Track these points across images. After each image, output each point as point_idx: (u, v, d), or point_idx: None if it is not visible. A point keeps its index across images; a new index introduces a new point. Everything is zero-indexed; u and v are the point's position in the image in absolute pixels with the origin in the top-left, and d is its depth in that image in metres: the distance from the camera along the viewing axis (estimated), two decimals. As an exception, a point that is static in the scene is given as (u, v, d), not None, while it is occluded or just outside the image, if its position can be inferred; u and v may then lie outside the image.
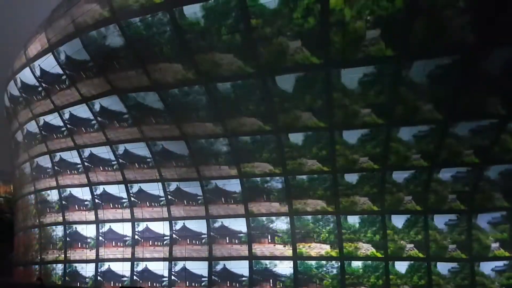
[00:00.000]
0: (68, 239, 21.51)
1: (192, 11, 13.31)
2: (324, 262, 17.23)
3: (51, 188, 22.17)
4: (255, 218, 18.25)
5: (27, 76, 19.34)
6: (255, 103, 15.34)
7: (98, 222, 20.84)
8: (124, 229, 20.37)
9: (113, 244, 20.53)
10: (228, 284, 18.21)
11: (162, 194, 19.47)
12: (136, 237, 20.10)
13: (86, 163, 20.28)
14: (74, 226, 21.48)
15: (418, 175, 16.03)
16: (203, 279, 18.62)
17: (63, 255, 21.52)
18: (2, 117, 25.71)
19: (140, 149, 18.68)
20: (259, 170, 17.47)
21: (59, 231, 21.88)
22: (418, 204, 16.42)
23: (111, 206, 20.62)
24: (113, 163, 19.65)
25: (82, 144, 19.82)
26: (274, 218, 18.09)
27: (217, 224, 18.79)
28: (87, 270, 20.78)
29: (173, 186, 19.21)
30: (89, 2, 15.08)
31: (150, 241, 19.85)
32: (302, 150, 16.41)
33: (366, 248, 16.96)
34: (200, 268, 18.75)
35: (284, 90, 14.62)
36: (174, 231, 19.46)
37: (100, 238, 20.73)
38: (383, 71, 13.40)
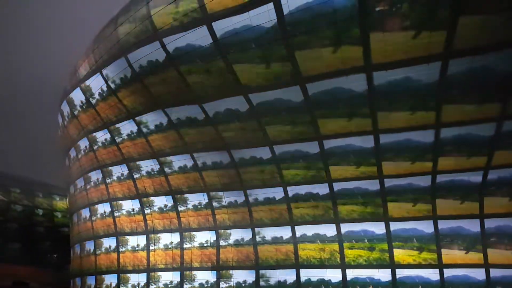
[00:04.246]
0: (120, 249, 22.32)
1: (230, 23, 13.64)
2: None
3: (103, 201, 23.17)
4: (300, 225, 18.22)
5: (78, 95, 20.44)
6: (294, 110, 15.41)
7: (148, 232, 21.51)
8: (173, 238, 20.88)
9: (163, 253, 21.07)
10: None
11: (207, 203, 19.83)
12: (185, 245, 20.53)
13: (134, 175, 21.06)
14: (125, 236, 22.30)
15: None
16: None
17: (116, 265, 22.33)
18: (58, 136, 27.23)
19: (185, 160, 19.20)
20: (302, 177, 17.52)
21: (112, 242, 22.77)
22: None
23: (159, 216, 21.23)
24: (159, 174, 20.28)
25: (130, 158, 20.62)
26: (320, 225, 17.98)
27: (262, 232, 18.90)
28: (139, 280, 21.45)
29: (217, 194, 19.52)
30: (132, 22, 15.79)
31: (198, 250, 20.21)
32: (345, 156, 16.28)
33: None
34: (247, 276, 18.89)
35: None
36: (220, 240, 19.71)
37: (151, 247, 21.38)
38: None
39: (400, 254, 16.65)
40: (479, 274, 15.65)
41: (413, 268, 16.45)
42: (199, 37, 14.30)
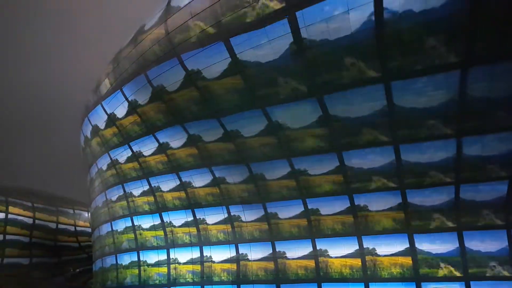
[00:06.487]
0: (141, 264, 22.45)
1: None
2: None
3: (124, 217, 23.43)
4: (321, 239, 17.96)
5: (99, 112, 20.90)
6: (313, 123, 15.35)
7: (168, 247, 21.59)
8: (193, 253, 20.89)
9: (183, 268, 21.08)
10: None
11: (227, 217, 19.82)
12: (205, 260, 20.51)
13: (155, 191, 21.27)
14: (146, 251, 22.43)
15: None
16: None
17: (137, 280, 22.44)
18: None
19: (204, 174, 19.31)
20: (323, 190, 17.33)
21: (133, 257, 22.93)
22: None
23: (180, 231, 21.32)
24: (179, 189, 20.43)
25: (150, 173, 20.87)
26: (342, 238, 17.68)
27: (282, 246, 18.72)
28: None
29: (237, 209, 19.49)
30: (151, 40, 16.16)
31: (218, 264, 20.14)
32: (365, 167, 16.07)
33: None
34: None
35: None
36: (240, 254, 19.61)
37: (171, 262, 21.44)
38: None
39: (424, 268, 16.23)
40: None
41: (439, 282, 15.98)
42: (217, 52, 14.51)
